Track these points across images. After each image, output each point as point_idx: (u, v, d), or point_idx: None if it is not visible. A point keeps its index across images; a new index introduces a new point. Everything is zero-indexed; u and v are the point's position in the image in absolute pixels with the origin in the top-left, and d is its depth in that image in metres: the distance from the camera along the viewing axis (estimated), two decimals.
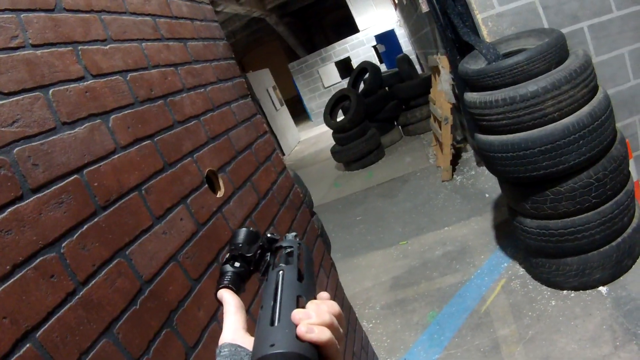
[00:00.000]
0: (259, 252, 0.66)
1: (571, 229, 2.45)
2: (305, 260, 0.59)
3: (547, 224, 2.53)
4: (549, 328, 2.52)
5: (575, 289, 2.67)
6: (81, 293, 0.87)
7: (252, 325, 0.51)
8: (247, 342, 0.55)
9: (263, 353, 0.41)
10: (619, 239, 2.50)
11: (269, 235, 0.67)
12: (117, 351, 0.90)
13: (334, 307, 0.49)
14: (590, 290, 2.63)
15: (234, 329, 0.57)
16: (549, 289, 2.81)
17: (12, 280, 0.75)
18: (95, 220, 0.98)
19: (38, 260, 0.81)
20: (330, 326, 0.45)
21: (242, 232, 0.69)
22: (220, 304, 0.61)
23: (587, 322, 2.43)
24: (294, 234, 0.65)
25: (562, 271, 2.63)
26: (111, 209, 1.05)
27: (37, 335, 0.75)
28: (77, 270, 0.88)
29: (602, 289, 2.60)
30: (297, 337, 0.42)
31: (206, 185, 1.57)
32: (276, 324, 0.45)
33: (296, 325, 0.44)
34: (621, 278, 2.60)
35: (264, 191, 2.03)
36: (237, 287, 0.64)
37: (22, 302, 0.75)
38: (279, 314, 0.46)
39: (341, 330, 0.48)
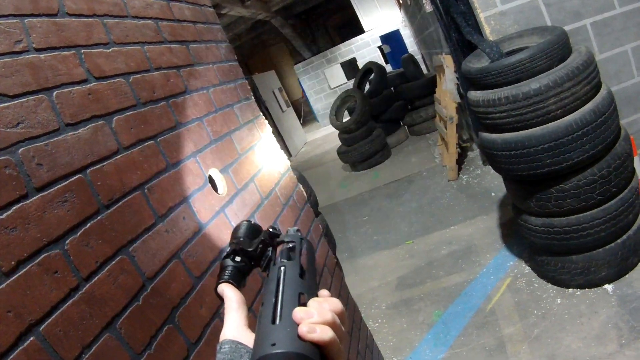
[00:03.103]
0: (260, 246, 0.64)
1: (576, 227, 2.44)
2: (308, 256, 0.58)
3: (551, 221, 2.52)
4: (554, 326, 2.52)
5: (581, 287, 2.66)
6: (84, 289, 0.90)
7: (253, 321, 0.51)
8: (249, 338, 0.54)
9: (264, 352, 0.40)
10: (624, 237, 2.49)
11: (270, 229, 0.66)
12: (119, 346, 0.93)
13: (337, 304, 0.48)
14: (595, 288, 2.62)
15: (235, 325, 0.56)
16: (555, 287, 2.80)
17: (16, 275, 0.78)
18: (99, 218, 1.01)
19: (42, 256, 0.83)
20: (332, 325, 0.44)
21: (243, 225, 0.68)
22: (220, 299, 0.61)
23: (592, 320, 2.43)
24: (295, 228, 0.64)
25: (568, 269, 2.63)
26: (114, 207, 1.07)
27: (41, 328, 0.78)
28: (80, 266, 0.90)
29: (608, 287, 2.59)
30: (299, 337, 0.42)
31: (209, 185, 1.60)
32: (277, 322, 0.44)
33: (298, 324, 0.43)
34: (627, 276, 2.58)
35: (267, 191, 2.05)
36: (238, 282, 0.63)
37: (26, 297, 0.78)
38: (280, 311, 0.45)
39: (344, 328, 0.47)
